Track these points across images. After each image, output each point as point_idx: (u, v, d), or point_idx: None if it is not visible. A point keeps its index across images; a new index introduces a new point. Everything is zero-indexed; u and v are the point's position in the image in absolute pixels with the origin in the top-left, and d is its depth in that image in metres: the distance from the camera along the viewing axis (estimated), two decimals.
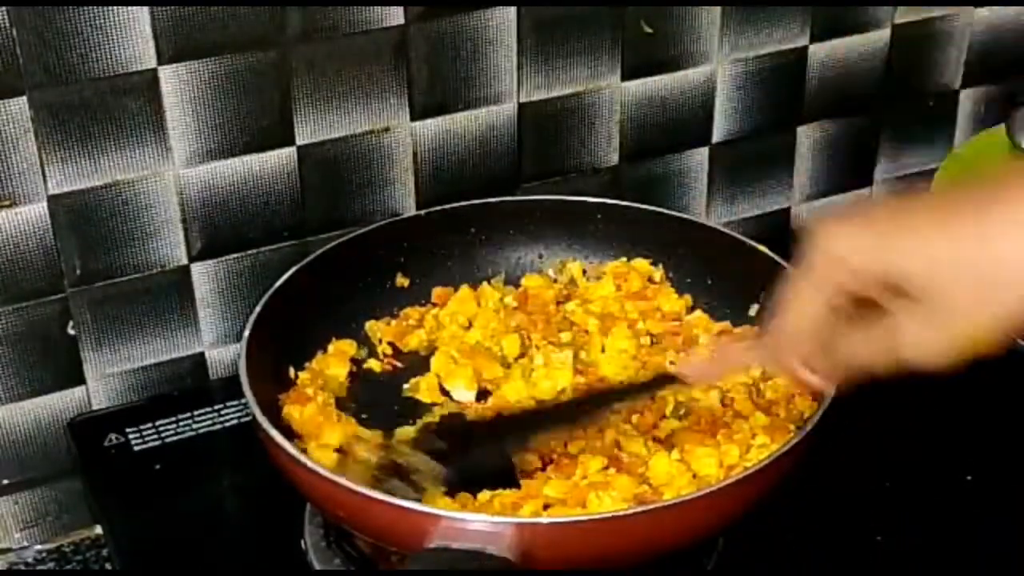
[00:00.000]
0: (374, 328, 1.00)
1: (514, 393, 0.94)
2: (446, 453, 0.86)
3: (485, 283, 1.03)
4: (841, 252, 0.68)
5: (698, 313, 1.02)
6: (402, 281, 1.02)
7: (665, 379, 0.88)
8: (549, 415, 0.92)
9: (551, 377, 0.95)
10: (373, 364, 0.98)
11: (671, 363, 0.95)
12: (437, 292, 1.03)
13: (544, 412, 0.93)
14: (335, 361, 0.96)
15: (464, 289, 1.02)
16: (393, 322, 1.01)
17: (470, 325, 1.00)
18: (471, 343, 0.99)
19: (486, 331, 0.99)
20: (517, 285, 1.04)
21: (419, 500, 0.82)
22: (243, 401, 0.85)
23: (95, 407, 1.03)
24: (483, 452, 0.88)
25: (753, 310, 0.98)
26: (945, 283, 0.65)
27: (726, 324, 1.00)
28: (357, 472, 0.85)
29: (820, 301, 0.70)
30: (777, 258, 0.96)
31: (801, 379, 0.75)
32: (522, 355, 0.98)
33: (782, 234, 1.25)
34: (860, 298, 0.69)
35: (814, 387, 0.78)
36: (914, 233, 0.66)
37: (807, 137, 1.23)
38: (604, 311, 1.01)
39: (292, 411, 0.91)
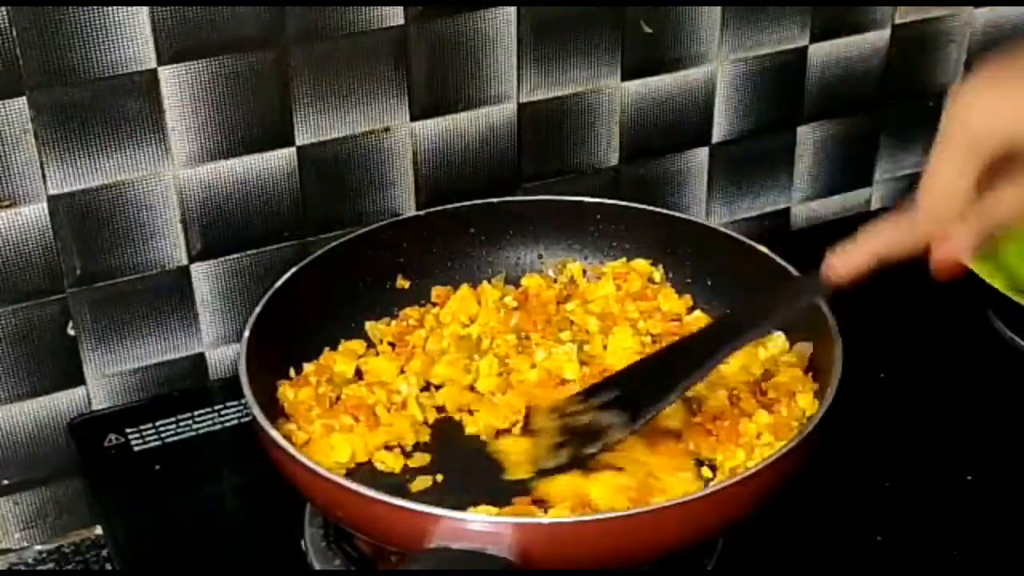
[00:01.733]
0: (374, 329, 1.00)
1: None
2: (620, 399, 0.86)
3: (485, 283, 1.03)
4: (979, 120, 0.69)
5: (698, 313, 1.02)
6: (402, 283, 1.02)
7: (812, 280, 0.83)
8: (692, 347, 0.90)
9: (556, 371, 0.95)
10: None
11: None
12: (437, 292, 1.03)
13: (685, 345, 0.92)
14: (343, 359, 0.96)
15: (464, 288, 1.02)
16: (393, 322, 1.01)
17: (470, 325, 1.00)
18: (470, 338, 0.99)
19: (486, 330, 0.99)
20: (517, 285, 1.04)
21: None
22: (243, 401, 0.85)
23: (95, 407, 1.03)
24: (654, 389, 0.86)
25: None
26: None
27: None
28: (535, 446, 0.86)
29: (966, 165, 0.70)
30: (777, 258, 0.96)
31: (951, 248, 0.74)
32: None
33: (782, 234, 1.25)
34: (1002, 158, 0.70)
35: (960, 255, 0.75)
36: None
37: (807, 137, 1.23)
38: (604, 311, 1.01)
39: (287, 391, 0.91)
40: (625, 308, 1.01)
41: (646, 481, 0.85)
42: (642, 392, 0.86)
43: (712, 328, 0.95)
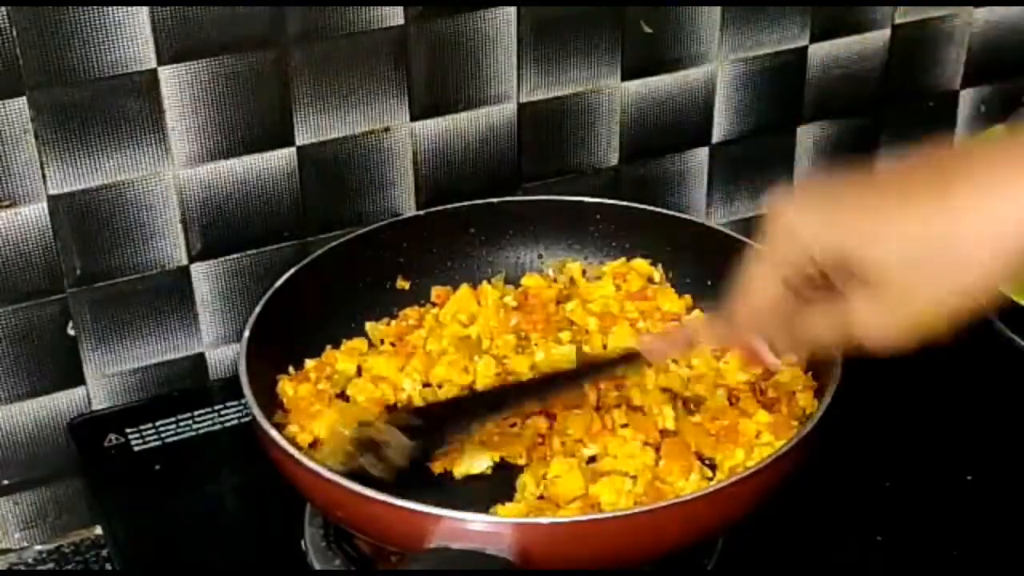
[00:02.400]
0: (374, 330, 1.00)
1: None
2: (420, 430, 0.85)
3: (485, 283, 1.03)
4: (796, 232, 0.69)
5: (697, 313, 1.02)
6: (403, 283, 1.02)
7: (630, 356, 0.88)
8: (520, 390, 0.92)
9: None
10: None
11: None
12: (437, 292, 1.03)
13: (514, 388, 0.93)
14: (345, 356, 0.96)
15: (464, 288, 1.02)
16: (393, 323, 1.01)
17: (470, 325, 1.00)
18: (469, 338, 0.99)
19: (485, 330, 0.99)
20: (517, 285, 1.04)
21: (383, 475, 0.82)
22: (243, 401, 0.85)
23: (95, 407, 1.03)
24: (451, 427, 0.88)
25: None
26: (901, 263, 0.65)
27: None
28: (333, 444, 0.86)
29: (777, 280, 0.71)
30: None
31: (756, 356, 0.76)
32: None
33: None
34: (816, 277, 0.69)
35: (767, 364, 0.79)
36: (871, 213, 0.66)
37: (807, 137, 1.23)
38: (604, 311, 1.01)
39: (286, 387, 0.92)
40: (625, 308, 1.01)
41: (654, 484, 0.85)
42: (439, 427, 0.87)
43: (537, 379, 0.96)
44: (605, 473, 0.86)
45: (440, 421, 0.88)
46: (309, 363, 0.95)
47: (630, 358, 0.88)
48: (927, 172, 0.66)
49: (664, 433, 0.89)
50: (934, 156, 0.68)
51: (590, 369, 0.94)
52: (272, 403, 0.91)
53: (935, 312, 0.66)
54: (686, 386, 0.93)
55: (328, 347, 0.97)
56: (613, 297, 1.02)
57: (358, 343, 0.98)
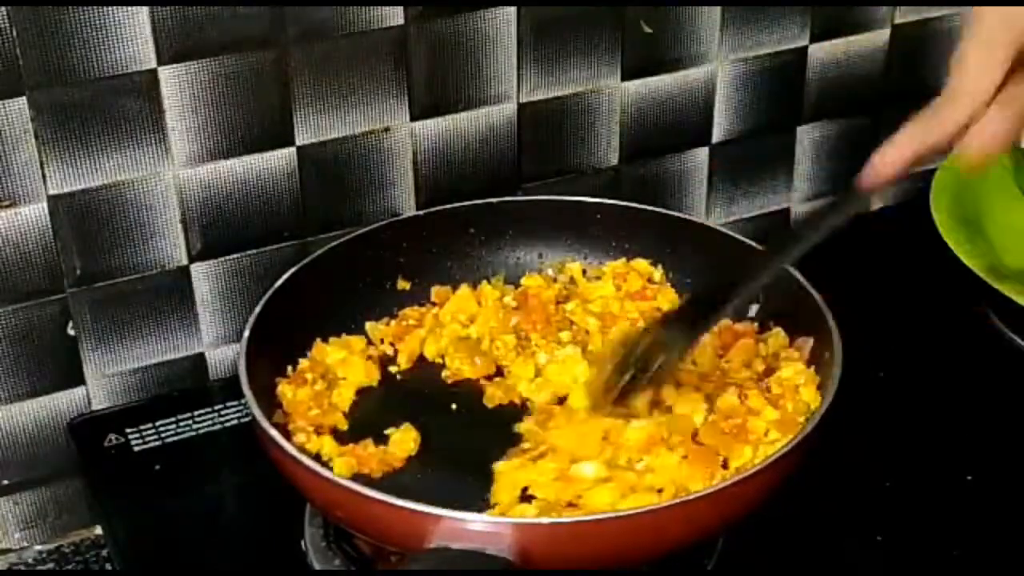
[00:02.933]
0: (374, 330, 1.00)
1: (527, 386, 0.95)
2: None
3: (485, 283, 1.03)
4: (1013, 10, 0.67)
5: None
6: (403, 284, 1.02)
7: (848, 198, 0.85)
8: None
9: (565, 372, 0.95)
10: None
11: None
12: (437, 291, 1.03)
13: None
14: (334, 349, 0.96)
15: (464, 288, 1.02)
16: (392, 322, 1.01)
17: (470, 325, 1.00)
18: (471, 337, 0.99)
19: (485, 330, 0.99)
20: (517, 285, 1.04)
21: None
22: (243, 401, 0.85)
23: (95, 407, 1.03)
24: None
25: (753, 310, 0.98)
26: None
27: (726, 322, 0.99)
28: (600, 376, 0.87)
29: (993, 53, 0.70)
30: None
31: (979, 140, 0.74)
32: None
33: None
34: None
35: (988, 147, 0.76)
36: None
37: (807, 137, 1.23)
38: (604, 311, 1.01)
39: (285, 390, 0.91)
40: (625, 308, 1.01)
41: (677, 496, 0.85)
42: (695, 311, 0.88)
43: (760, 250, 0.95)
44: (637, 490, 0.85)
45: (690, 309, 0.90)
46: (303, 363, 0.95)
47: (851, 194, 0.85)
48: None
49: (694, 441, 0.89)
50: None
51: (812, 224, 0.89)
52: (272, 403, 0.91)
53: None
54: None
55: (317, 340, 0.97)
56: (613, 297, 1.02)
57: (355, 340, 0.98)
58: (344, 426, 0.92)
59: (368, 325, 1.00)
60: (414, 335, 0.99)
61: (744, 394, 0.91)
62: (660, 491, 0.84)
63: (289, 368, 0.94)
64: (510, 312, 1.01)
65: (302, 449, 0.85)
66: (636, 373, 0.85)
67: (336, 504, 0.81)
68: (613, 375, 0.86)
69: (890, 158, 0.81)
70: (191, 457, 0.99)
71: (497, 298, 1.02)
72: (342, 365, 0.95)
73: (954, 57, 0.73)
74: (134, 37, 0.92)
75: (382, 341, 0.99)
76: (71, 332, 1.00)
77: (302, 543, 0.91)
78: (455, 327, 1.00)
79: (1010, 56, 0.70)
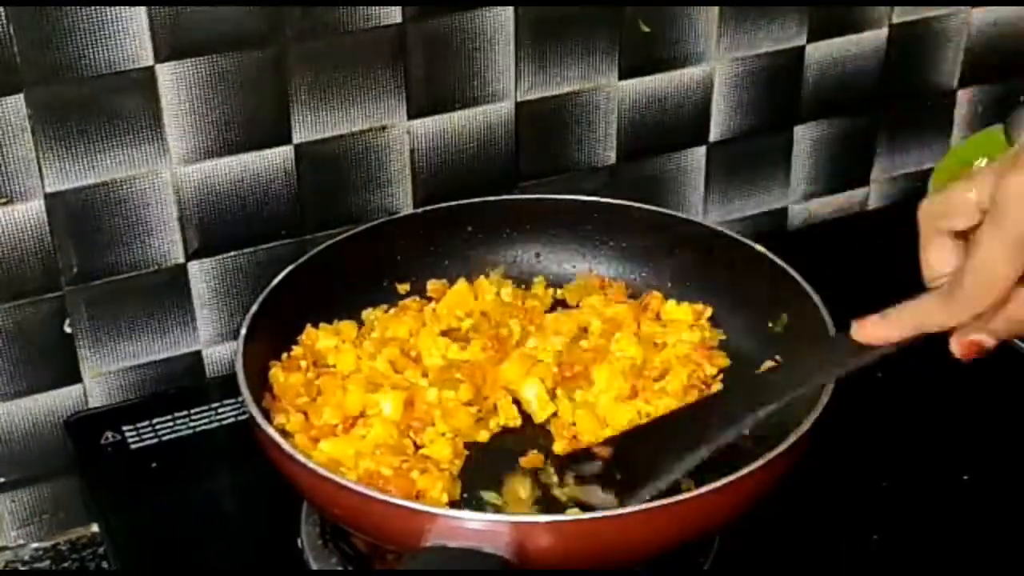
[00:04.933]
0: (370, 316, 1.00)
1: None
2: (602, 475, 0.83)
3: (482, 277, 1.03)
4: None
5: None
6: (401, 286, 1.02)
7: (837, 352, 0.80)
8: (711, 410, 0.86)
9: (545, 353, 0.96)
10: None
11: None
12: (433, 285, 1.02)
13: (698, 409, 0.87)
14: (325, 335, 0.96)
15: (460, 283, 1.02)
16: (392, 311, 1.00)
17: (466, 319, 1.00)
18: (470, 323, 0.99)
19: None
20: (517, 285, 1.04)
21: None
22: (240, 399, 0.85)
23: (92, 405, 1.03)
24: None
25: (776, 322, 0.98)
26: None
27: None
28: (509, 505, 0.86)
29: (1012, 260, 0.68)
30: (775, 258, 0.96)
31: (973, 341, 0.74)
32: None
33: (779, 233, 1.25)
34: None
35: (987, 346, 0.75)
36: None
37: (804, 136, 1.23)
38: (607, 315, 1.00)
39: (277, 374, 0.91)
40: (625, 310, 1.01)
41: None
42: (634, 466, 0.82)
43: (726, 395, 0.91)
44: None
45: (627, 458, 0.84)
46: (296, 350, 0.95)
47: (842, 350, 0.80)
48: None
49: None
50: None
51: (782, 387, 0.83)
52: (266, 393, 0.91)
53: None
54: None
55: (308, 326, 0.96)
56: (603, 302, 1.02)
57: (346, 326, 0.98)
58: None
59: (365, 312, 1.00)
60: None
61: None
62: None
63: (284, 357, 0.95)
64: (507, 308, 1.00)
65: (299, 447, 0.84)
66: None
67: (333, 502, 0.81)
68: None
69: (884, 331, 0.79)
70: (188, 455, 0.99)
71: (494, 292, 1.02)
72: (333, 353, 0.95)
73: (942, 215, 0.71)
74: (131, 34, 0.92)
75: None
76: (68, 330, 1.00)
77: (299, 541, 0.91)
78: (451, 322, 0.99)
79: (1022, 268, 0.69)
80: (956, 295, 0.72)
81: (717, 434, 0.81)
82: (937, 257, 0.74)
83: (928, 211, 0.74)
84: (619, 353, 0.96)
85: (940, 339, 1.10)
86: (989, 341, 0.74)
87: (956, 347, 0.75)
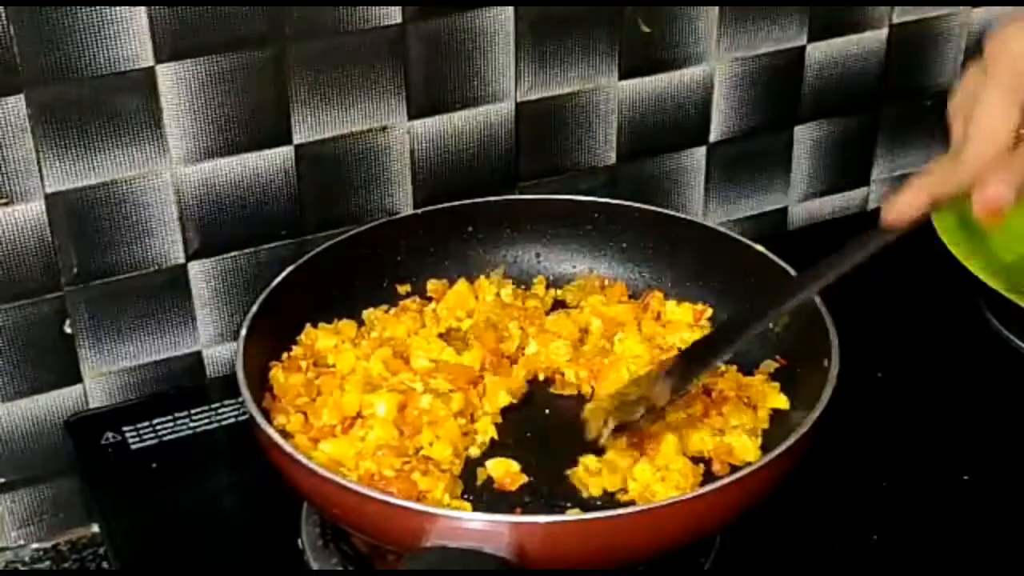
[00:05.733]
0: (371, 316, 1.00)
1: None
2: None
3: (482, 277, 1.03)
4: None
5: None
6: (402, 287, 1.02)
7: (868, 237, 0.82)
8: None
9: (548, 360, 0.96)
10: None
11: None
12: (433, 285, 1.02)
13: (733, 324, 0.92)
14: (324, 335, 0.96)
15: (461, 283, 1.02)
16: (392, 311, 1.00)
17: (466, 320, 1.00)
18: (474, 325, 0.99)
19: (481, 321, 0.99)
20: (517, 285, 1.04)
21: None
22: (240, 400, 0.85)
23: (92, 405, 1.03)
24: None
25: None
26: None
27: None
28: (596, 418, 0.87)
29: (1009, 109, 0.69)
30: (774, 257, 0.96)
31: (990, 195, 0.73)
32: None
33: (779, 233, 1.25)
34: None
35: (999, 202, 0.73)
36: None
37: (804, 137, 1.23)
38: (608, 315, 1.00)
39: (277, 374, 0.91)
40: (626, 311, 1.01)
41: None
42: (687, 361, 0.88)
43: (768, 292, 0.93)
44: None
45: (684, 357, 0.89)
46: (296, 350, 0.95)
47: (873, 234, 0.82)
48: None
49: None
50: None
51: (830, 265, 0.85)
52: (266, 393, 0.91)
53: None
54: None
55: (307, 326, 0.97)
56: (603, 302, 1.02)
57: (345, 325, 0.98)
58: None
59: (365, 312, 1.00)
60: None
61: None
62: None
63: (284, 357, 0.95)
64: (508, 309, 1.00)
65: (300, 447, 0.84)
66: (620, 419, 0.86)
67: (333, 502, 0.81)
68: (613, 411, 0.86)
69: (904, 203, 0.79)
70: (188, 455, 0.99)
71: (495, 292, 1.01)
72: (333, 352, 0.95)
73: (963, 101, 0.72)
74: (132, 35, 0.92)
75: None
76: (68, 330, 1.00)
77: (299, 541, 0.91)
78: (451, 322, 0.99)
79: (1021, 116, 0.70)
80: (965, 151, 0.73)
81: (752, 323, 0.87)
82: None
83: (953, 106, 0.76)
84: (625, 353, 0.96)
85: (940, 339, 1.11)
86: (1007, 193, 0.73)
87: (977, 206, 0.74)
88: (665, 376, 0.87)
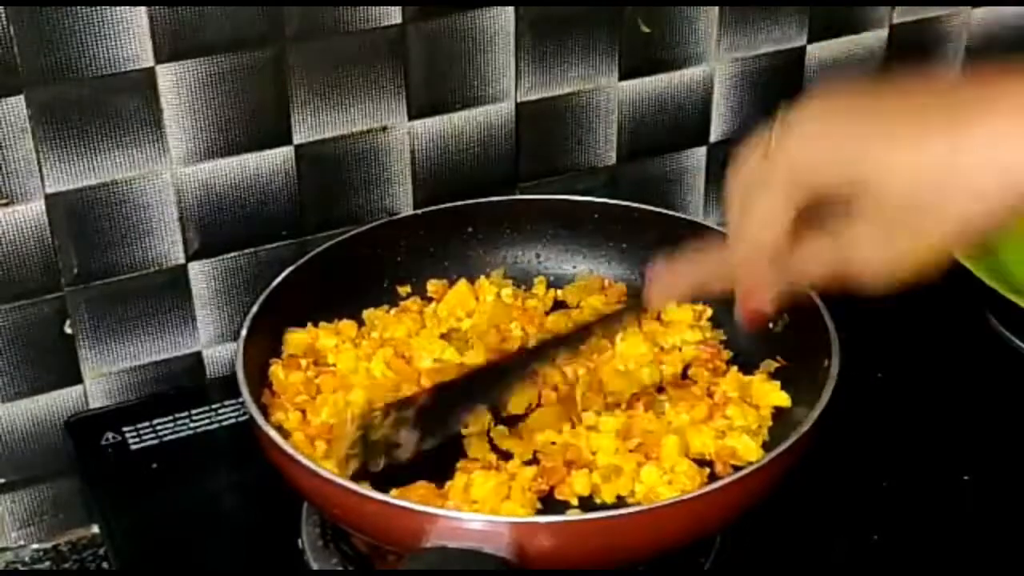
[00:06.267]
0: (372, 316, 1.00)
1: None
2: (425, 417, 0.85)
3: (483, 277, 1.03)
4: (803, 157, 0.65)
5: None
6: (403, 289, 1.02)
7: (627, 310, 0.88)
8: (511, 366, 0.91)
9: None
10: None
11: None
12: (433, 285, 1.02)
13: (504, 364, 0.92)
14: (325, 334, 0.96)
15: (461, 283, 1.02)
16: (392, 311, 1.00)
17: (465, 320, 1.00)
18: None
19: (483, 326, 0.99)
20: (517, 285, 1.04)
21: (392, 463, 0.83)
22: (240, 400, 0.85)
23: (92, 406, 1.03)
24: (455, 411, 0.88)
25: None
26: (911, 193, 0.62)
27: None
28: (336, 448, 0.86)
29: (785, 209, 0.67)
30: None
31: (750, 299, 0.73)
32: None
33: None
34: (812, 209, 0.66)
35: (763, 304, 0.73)
36: (883, 140, 0.63)
37: None
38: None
39: (277, 372, 0.91)
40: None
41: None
42: (440, 412, 0.87)
43: (530, 347, 0.95)
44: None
45: (446, 405, 0.87)
46: (296, 349, 0.95)
47: (627, 311, 0.86)
48: (943, 100, 0.64)
49: None
50: (949, 84, 0.67)
51: (586, 329, 0.91)
52: (265, 390, 0.91)
53: (936, 247, 0.64)
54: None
55: (308, 324, 0.97)
56: (603, 303, 1.02)
57: (346, 325, 0.98)
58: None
59: (366, 312, 1.00)
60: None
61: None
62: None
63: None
64: (509, 309, 1.00)
65: (300, 448, 0.84)
66: (358, 466, 0.85)
67: (333, 503, 0.81)
68: (343, 461, 0.85)
69: (664, 290, 0.81)
70: (188, 456, 0.99)
71: (495, 292, 1.01)
72: (333, 352, 0.95)
73: (741, 189, 0.69)
74: (132, 35, 0.92)
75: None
76: (68, 330, 1.00)
77: (299, 542, 0.91)
78: (451, 323, 0.99)
79: (792, 217, 0.67)
80: (735, 251, 0.71)
81: (511, 381, 0.89)
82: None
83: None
84: (625, 353, 0.96)
85: (941, 339, 1.11)
86: (769, 308, 0.72)
87: (741, 313, 0.74)
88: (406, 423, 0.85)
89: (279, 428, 0.86)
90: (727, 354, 0.97)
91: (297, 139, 1.01)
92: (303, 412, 0.90)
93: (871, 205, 0.64)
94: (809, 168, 0.66)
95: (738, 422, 0.90)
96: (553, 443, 0.89)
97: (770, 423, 0.91)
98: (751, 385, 0.93)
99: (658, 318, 1.00)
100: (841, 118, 0.66)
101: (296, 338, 0.95)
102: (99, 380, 1.03)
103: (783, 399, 0.92)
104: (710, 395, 0.93)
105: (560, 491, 0.86)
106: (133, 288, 1.01)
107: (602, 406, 0.91)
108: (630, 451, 0.87)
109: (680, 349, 0.97)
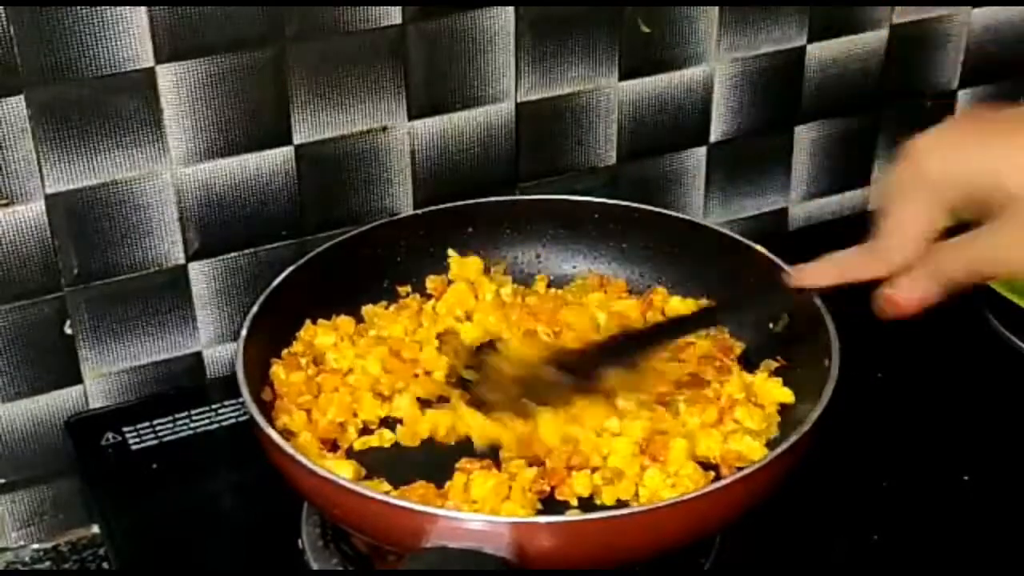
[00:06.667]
0: (371, 313, 1.00)
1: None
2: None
3: (483, 275, 1.03)
4: (948, 158, 0.71)
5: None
6: (403, 289, 1.02)
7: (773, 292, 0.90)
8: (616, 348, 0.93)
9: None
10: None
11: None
12: (432, 281, 1.02)
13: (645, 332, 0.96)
14: (323, 331, 0.96)
15: (461, 283, 1.02)
16: (392, 307, 1.00)
17: (466, 320, 1.00)
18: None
19: (483, 325, 0.99)
20: (516, 283, 1.04)
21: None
22: (240, 400, 0.85)
23: (92, 406, 1.03)
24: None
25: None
26: None
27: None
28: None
29: (936, 207, 0.72)
30: (774, 258, 0.96)
31: (895, 297, 0.76)
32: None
33: (779, 234, 1.25)
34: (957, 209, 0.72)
35: (913, 300, 0.77)
36: (1011, 141, 0.70)
37: (804, 137, 1.23)
38: (610, 309, 1.00)
39: (278, 371, 0.91)
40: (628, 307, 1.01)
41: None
42: (595, 360, 0.91)
43: (678, 317, 0.99)
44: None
45: (592, 356, 0.92)
46: (295, 346, 0.95)
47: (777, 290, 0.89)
48: None
49: None
50: None
51: (732, 306, 0.97)
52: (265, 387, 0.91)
53: None
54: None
55: (307, 322, 0.97)
56: (600, 302, 1.02)
57: (344, 321, 0.98)
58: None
59: (365, 309, 1.00)
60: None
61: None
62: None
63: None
64: (509, 307, 1.00)
65: (300, 448, 0.84)
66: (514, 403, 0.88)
67: (334, 503, 0.81)
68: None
69: (812, 273, 0.84)
70: (188, 456, 0.99)
71: (495, 290, 1.01)
72: (332, 350, 0.95)
73: (891, 192, 0.75)
74: (132, 35, 0.92)
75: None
76: (68, 331, 1.00)
77: (299, 542, 0.91)
78: (449, 321, 0.99)
79: (935, 221, 0.73)
80: (876, 248, 0.76)
81: (656, 342, 0.93)
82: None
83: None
84: None
85: (941, 339, 1.11)
86: (905, 301, 0.77)
87: (882, 301, 0.78)
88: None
89: (283, 430, 0.86)
90: (739, 349, 0.97)
91: (297, 139, 1.01)
92: (307, 412, 0.90)
93: (1013, 210, 0.69)
94: (957, 174, 0.71)
95: (746, 424, 0.90)
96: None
97: (778, 419, 0.91)
98: (754, 384, 0.93)
99: (661, 313, 1.01)
100: (984, 134, 0.72)
101: (307, 334, 0.95)
102: (99, 380, 1.03)
103: (787, 395, 0.92)
104: (718, 397, 0.93)
105: (560, 492, 0.85)
106: (133, 288, 1.01)
107: (637, 403, 0.91)
108: (637, 452, 0.87)
109: (694, 344, 0.97)
